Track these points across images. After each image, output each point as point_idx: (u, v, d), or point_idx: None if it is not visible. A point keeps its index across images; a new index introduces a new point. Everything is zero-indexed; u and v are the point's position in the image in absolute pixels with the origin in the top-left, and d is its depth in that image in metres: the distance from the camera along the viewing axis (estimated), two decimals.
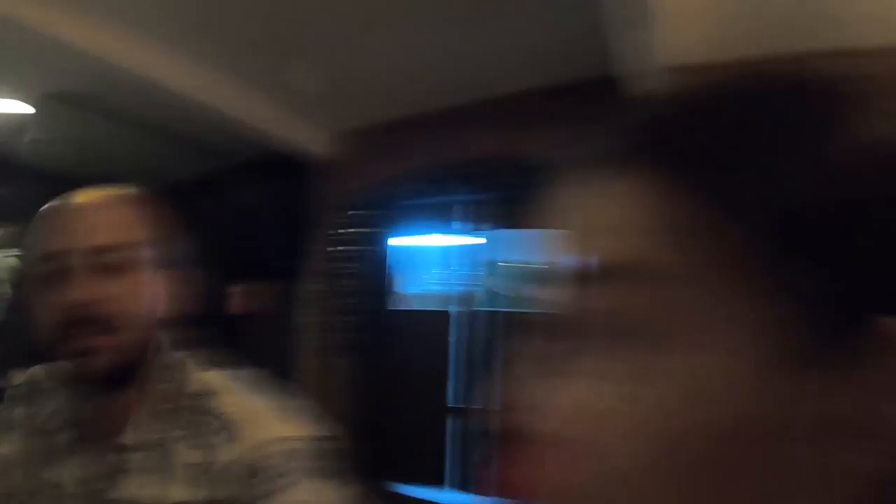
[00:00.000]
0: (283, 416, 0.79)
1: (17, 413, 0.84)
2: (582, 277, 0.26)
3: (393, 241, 3.98)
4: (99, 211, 0.78)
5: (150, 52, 2.94)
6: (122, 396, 0.76)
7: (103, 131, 4.31)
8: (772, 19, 2.25)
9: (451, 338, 3.57)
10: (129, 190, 0.85)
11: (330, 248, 3.95)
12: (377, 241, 3.88)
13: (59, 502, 0.75)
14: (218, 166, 5.38)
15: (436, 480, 3.49)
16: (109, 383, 0.74)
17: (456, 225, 3.68)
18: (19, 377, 0.87)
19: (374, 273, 3.86)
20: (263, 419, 0.76)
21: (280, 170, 4.62)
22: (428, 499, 3.46)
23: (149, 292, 0.78)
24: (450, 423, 3.51)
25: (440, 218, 3.74)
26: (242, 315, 4.75)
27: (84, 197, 0.80)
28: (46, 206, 0.79)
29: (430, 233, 4.01)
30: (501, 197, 3.27)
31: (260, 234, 4.36)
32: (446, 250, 3.94)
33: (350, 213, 3.89)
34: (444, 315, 3.66)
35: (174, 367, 0.81)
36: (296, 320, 4.16)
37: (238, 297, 4.78)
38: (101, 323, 0.71)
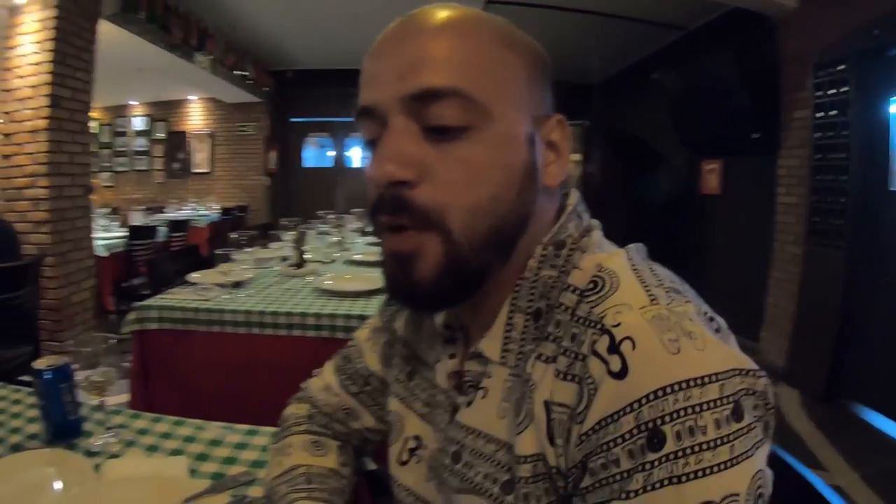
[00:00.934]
0: (711, 331, 0.46)
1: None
2: None
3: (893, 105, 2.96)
4: (442, 36, 0.50)
5: None
6: (493, 287, 0.54)
7: (550, 25, 4.72)
8: None
9: None
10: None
11: (812, 116, 3.29)
12: (869, 103, 2.98)
13: (429, 388, 0.63)
14: (673, 40, 5.12)
15: None
16: (438, 302, 0.54)
17: None
18: None
19: (870, 144, 3.01)
20: (685, 339, 0.43)
21: (742, 32, 4.02)
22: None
23: (503, 169, 0.50)
24: None
25: None
26: (712, 195, 4.59)
27: (424, 14, 0.52)
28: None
29: None
30: None
31: (728, 106, 4.00)
32: None
33: (832, 72, 3.09)
34: None
35: (566, 246, 0.54)
36: (772, 201, 3.73)
37: (708, 176, 4.62)
38: (416, 214, 0.49)
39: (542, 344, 0.51)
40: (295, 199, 7.99)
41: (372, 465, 0.97)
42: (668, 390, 0.42)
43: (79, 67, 3.55)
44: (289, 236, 2.88)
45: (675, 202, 5.16)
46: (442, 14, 0.52)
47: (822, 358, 3.20)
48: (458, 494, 0.56)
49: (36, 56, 3.35)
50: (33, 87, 3.36)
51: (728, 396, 0.42)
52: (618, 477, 0.43)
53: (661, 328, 0.44)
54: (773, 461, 0.65)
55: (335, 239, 3.06)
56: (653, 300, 0.46)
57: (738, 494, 0.41)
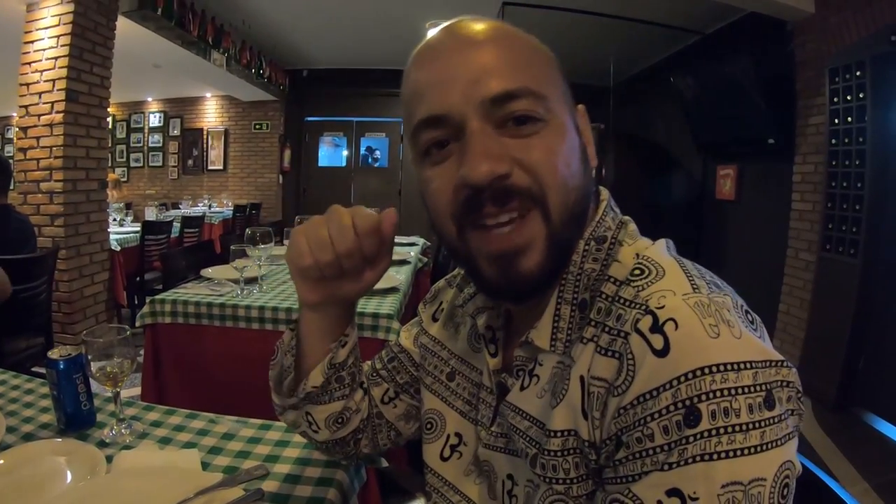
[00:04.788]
0: (746, 322, 0.47)
1: (450, 294, 0.77)
2: None
3: None
4: (495, 45, 0.55)
5: None
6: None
7: (566, 28, 4.72)
8: None
9: None
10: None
11: (829, 120, 3.25)
12: (886, 110, 2.94)
13: (466, 383, 0.69)
14: (689, 44, 5.09)
15: None
16: (541, 286, 0.56)
17: None
18: None
19: (886, 151, 2.96)
20: (722, 326, 0.45)
21: (759, 36, 3.99)
22: None
23: (572, 145, 0.56)
24: None
25: None
26: (727, 200, 4.55)
27: (467, 27, 0.57)
28: (418, 49, 0.59)
29: None
30: None
31: (744, 110, 3.98)
32: None
33: (849, 75, 3.05)
34: None
35: (607, 238, 0.58)
36: (787, 208, 3.69)
37: (722, 181, 4.58)
38: (523, 196, 0.53)
39: (586, 329, 0.54)
40: (309, 197, 8.03)
41: (384, 464, 0.97)
42: (707, 371, 0.43)
43: (96, 63, 3.59)
44: None
45: (689, 207, 5.12)
46: (485, 27, 0.57)
47: (834, 367, 3.16)
48: (501, 454, 0.62)
49: (53, 51, 3.40)
50: (50, 81, 3.40)
51: (761, 384, 0.44)
52: (651, 451, 0.45)
53: (702, 313, 0.46)
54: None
55: None
56: (695, 289, 0.49)
57: (764, 479, 0.42)
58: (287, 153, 7.83)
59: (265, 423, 0.98)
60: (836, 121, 3.18)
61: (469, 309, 0.69)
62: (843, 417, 3.04)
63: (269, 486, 0.79)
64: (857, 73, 3.00)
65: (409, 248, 3.04)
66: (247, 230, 1.91)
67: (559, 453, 0.53)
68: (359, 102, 7.53)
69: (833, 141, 3.22)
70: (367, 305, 1.78)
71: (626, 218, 0.63)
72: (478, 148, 0.53)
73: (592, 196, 0.60)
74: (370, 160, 8.04)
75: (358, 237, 0.61)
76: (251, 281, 1.99)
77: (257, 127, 7.85)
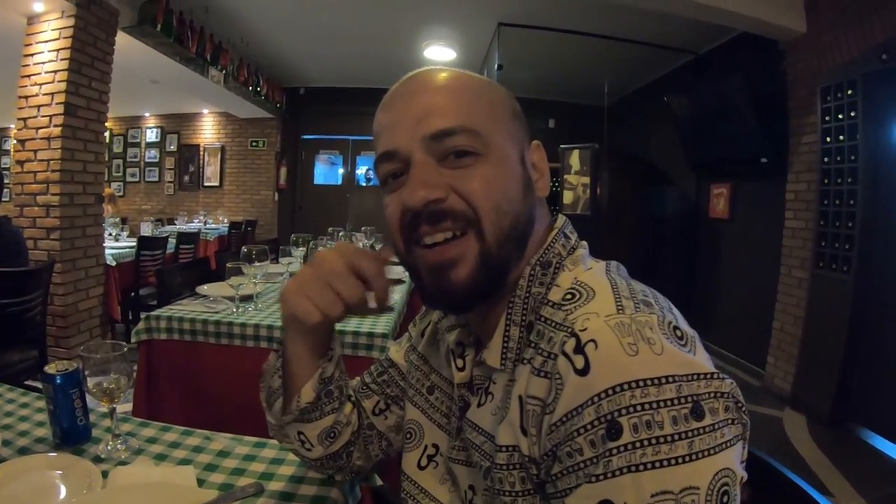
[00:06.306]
0: (674, 338, 0.49)
1: (436, 313, 0.79)
2: None
3: None
4: (440, 91, 0.63)
5: None
6: (497, 303, 0.63)
7: (561, 48, 4.77)
8: None
9: None
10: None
11: (821, 139, 3.29)
12: (877, 128, 2.99)
13: (444, 397, 0.73)
14: (683, 63, 5.17)
15: None
16: (474, 298, 0.61)
17: None
18: None
19: (877, 170, 3.01)
20: (644, 344, 0.47)
21: (751, 56, 4.06)
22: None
23: (513, 176, 0.62)
24: None
25: None
26: (720, 219, 4.59)
27: (421, 76, 0.66)
28: (385, 95, 0.67)
29: None
30: None
31: (737, 129, 4.02)
32: None
33: (841, 94, 3.10)
34: None
35: (553, 264, 0.63)
36: (780, 226, 3.72)
37: (716, 200, 4.62)
38: (456, 217, 0.59)
39: (526, 350, 0.60)
40: (305, 215, 8.04)
41: (378, 482, 0.97)
42: (626, 386, 0.46)
43: (94, 77, 3.61)
44: (299, 252, 2.89)
45: (683, 226, 5.16)
46: (440, 75, 0.66)
47: (828, 383, 3.17)
48: (462, 466, 0.67)
49: (53, 64, 3.42)
50: (49, 94, 3.41)
51: (686, 396, 0.46)
52: (581, 465, 0.48)
53: (622, 333, 0.49)
54: (784, 483, 0.66)
55: None
56: (619, 310, 0.52)
57: (697, 488, 0.44)
58: (283, 171, 7.86)
59: (260, 441, 0.98)
60: (829, 139, 3.23)
61: (444, 325, 0.74)
62: (838, 433, 3.04)
63: (264, 503, 0.79)
64: (849, 92, 3.05)
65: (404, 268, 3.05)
66: (243, 248, 1.92)
67: (505, 467, 0.57)
68: (355, 121, 7.56)
69: (825, 159, 3.27)
70: (362, 324, 1.78)
71: (582, 243, 0.68)
72: (417, 178, 0.61)
73: (540, 221, 0.66)
74: (364, 179, 8.07)
75: (368, 282, 0.66)
76: (247, 298, 1.99)
77: (254, 144, 7.89)
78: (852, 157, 3.07)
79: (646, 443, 0.45)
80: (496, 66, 4.44)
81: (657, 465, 0.44)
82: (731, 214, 4.49)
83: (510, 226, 0.61)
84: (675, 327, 0.51)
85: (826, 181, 3.27)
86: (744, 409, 0.50)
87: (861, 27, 3.00)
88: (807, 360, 3.42)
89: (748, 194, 4.36)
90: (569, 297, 0.57)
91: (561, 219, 0.69)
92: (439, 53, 5.40)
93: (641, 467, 0.45)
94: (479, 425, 0.63)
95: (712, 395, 0.47)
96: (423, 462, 0.74)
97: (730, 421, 0.47)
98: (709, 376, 0.48)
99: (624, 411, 0.46)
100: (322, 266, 0.66)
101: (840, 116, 3.12)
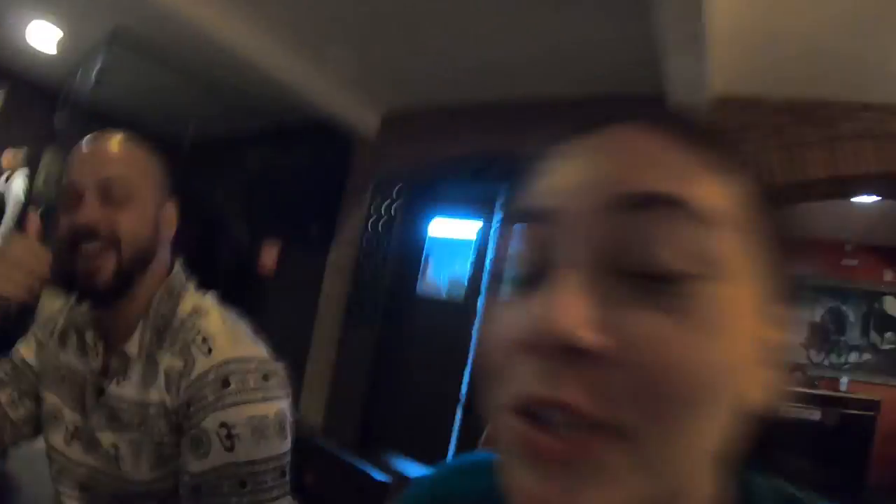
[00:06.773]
0: (253, 340, 0.89)
1: (66, 315, 1.00)
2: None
3: (431, 227, 4.01)
4: (108, 149, 0.90)
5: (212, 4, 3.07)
6: (125, 311, 0.88)
7: (160, 80, 4.41)
8: (824, 65, 2.26)
9: (475, 331, 3.52)
10: (133, 137, 0.96)
11: (365, 223, 4.02)
12: (414, 223, 3.93)
13: (75, 385, 0.92)
14: (264, 126, 5.48)
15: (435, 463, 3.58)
16: (109, 297, 0.86)
17: (494, 215, 3.63)
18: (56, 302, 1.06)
19: (407, 255, 3.90)
20: (239, 340, 0.86)
21: (324, 140, 4.69)
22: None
23: (148, 220, 0.90)
24: (459, 415, 3.52)
25: (478, 207, 3.72)
26: (270, 272, 4.88)
27: (99, 137, 0.92)
28: (79, 143, 0.92)
29: (467, 220, 3.95)
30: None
31: (298, 197, 4.42)
32: (482, 240, 3.84)
33: (389, 192, 3.95)
34: (470, 307, 3.60)
35: (175, 291, 0.92)
36: (321, 287, 4.24)
37: (269, 254, 4.91)
38: (105, 241, 0.84)
39: (163, 345, 0.88)
40: None
41: None
42: (231, 361, 0.84)
43: None
44: None
45: (231, 276, 5.15)
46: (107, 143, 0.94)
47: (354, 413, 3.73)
48: (106, 431, 0.87)
49: None
50: None
51: (259, 369, 0.85)
52: (206, 403, 0.80)
53: (227, 333, 0.88)
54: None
55: None
56: (223, 321, 0.91)
57: (267, 416, 0.82)
58: None
59: None
60: (372, 219, 3.98)
61: (78, 322, 0.95)
62: (366, 455, 3.53)
63: None
64: (395, 192, 3.90)
65: None
66: None
67: (155, 417, 0.84)
68: None
69: (366, 236, 3.99)
70: None
71: (191, 279, 0.99)
72: (80, 212, 0.85)
73: (162, 258, 0.94)
74: None
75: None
76: None
77: None
78: (387, 240, 3.88)
79: (242, 390, 0.81)
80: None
81: (250, 402, 0.81)
82: (280, 271, 4.83)
83: (137, 251, 0.88)
84: (253, 332, 0.92)
85: (363, 257, 3.99)
86: (287, 381, 0.88)
87: (418, 141, 3.88)
88: (335, 397, 3.92)
89: (296, 256, 4.74)
90: (195, 313, 0.90)
91: (178, 262, 0.98)
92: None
93: (242, 403, 0.80)
94: (124, 397, 0.86)
95: (272, 371, 0.85)
96: (68, 438, 0.91)
97: (281, 386, 0.85)
98: (268, 361, 0.87)
99: (230, 373, 0.81)
100: None
101: (385, 205, 3.94)
